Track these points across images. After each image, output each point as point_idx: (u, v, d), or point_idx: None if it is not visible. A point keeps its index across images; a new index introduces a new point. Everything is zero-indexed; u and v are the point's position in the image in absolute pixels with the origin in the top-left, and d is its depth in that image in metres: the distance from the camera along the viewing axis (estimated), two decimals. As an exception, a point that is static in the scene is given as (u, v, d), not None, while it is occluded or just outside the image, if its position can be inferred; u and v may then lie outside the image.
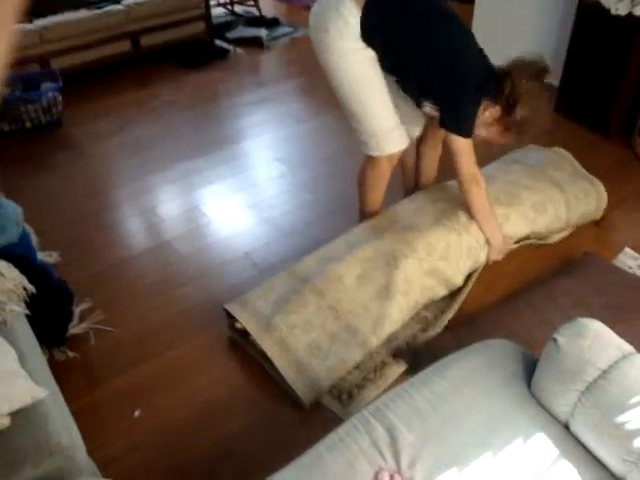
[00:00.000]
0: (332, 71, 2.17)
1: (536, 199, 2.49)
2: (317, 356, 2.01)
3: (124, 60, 4.44)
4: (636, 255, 2.62)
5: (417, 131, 2.46)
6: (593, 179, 2.74)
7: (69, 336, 2.22)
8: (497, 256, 2.44)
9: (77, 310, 2.31)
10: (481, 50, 2.20)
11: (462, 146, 2.16)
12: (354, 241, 2.31)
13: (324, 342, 2.04)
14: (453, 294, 2.35)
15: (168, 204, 3.07)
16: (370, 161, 2.39)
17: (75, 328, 2.26)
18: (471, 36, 2.17)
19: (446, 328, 2.23)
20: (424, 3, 2.12)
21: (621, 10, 3.18)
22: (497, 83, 2.15)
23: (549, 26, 3.96)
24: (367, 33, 2.05)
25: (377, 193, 2.50)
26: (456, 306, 2.29)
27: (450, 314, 2.27)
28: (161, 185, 3.20)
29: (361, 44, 2.08)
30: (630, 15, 3.16)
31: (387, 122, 2.24)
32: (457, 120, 2.14)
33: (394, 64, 2.15)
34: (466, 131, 2.14)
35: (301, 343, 2.03)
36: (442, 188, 2.57)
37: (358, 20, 2.03)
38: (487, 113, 2.18)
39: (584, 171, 2.77)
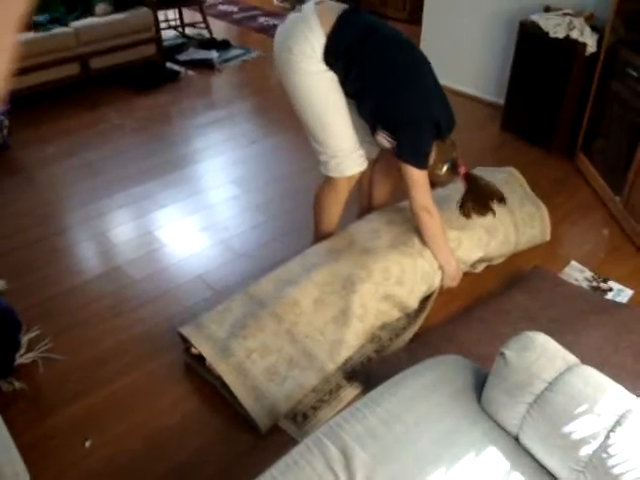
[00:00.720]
0: (294, 92, 2.20)
1: (488, 221, 2.52)
2: (275, 382, 2.00)
3: (73, 83, 4.38)
4: (582, 268, 2.70)
5: (375, 152, 2.49)
6: (539, 204, 2.79)
7: (17, 366, 2.15)
8: (451, 283, 2.48)
9: (25, 339, 2.24)
10: (437, 82, 2.22)
11: (417, 177, 2.18)
12: (310, 263, 2.32)
13: (282, 367, 2.03)
14: (409, 316, 2.38)
15: (120, 228, 3.03)
16: (329, 182, 2.40)
17: (23, 358, 2.19)
18: (429, 66, 2.21)
19: (400, 345, 2.25)
20: (386, 34, 2.17)
21: (559, 33, 3.32)
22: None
23: (493, 48, 4.10)
24: (330, 58, 2.09)
25: (333, 214, 2.51)
26: (413, 329, 2.31)
27: (407, 337, 2.29)
28: (112, 209, 3.16)
29: (324, 67, 2.11)
30: (567, 38, 3.30)
31: (348, 144, 2.27)
32: (413, 151, 2.16)
33: (354, 91, 2.18)
34: (422, 162, 2.17)
35: (259, 369, 2.01)
36: (397, 210, 2.60)
37: (323, 45, 2.06)
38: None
39: (533, 194, 2.83)
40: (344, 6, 2.16)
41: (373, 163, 2.59)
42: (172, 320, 2.39)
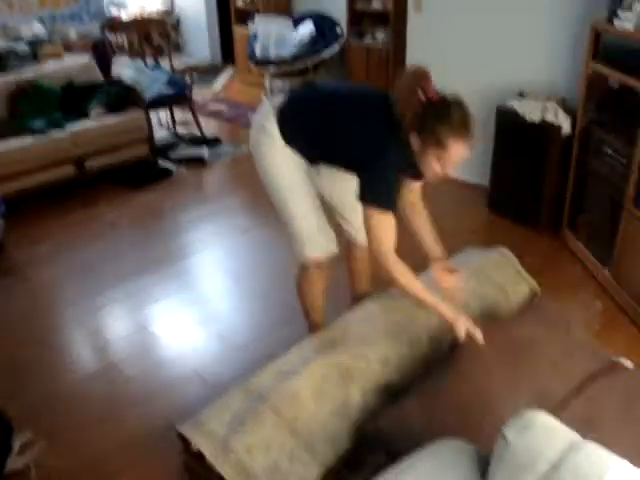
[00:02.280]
0: (263, 178, 2.31)
1: (482, 305, 2.49)
2: (277, 479, 1.94)
3: (69, 183, 4.49)
4: (578, 343, 2.70)
5: (360, 236, 2.45)
6: (533, 283, 2.70)
7: (7, 472, 2.08)
8: (461, 331, 2.09)
9: (17, 443, 2.19)
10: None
11: (377, 222, 2.07)
12: (307, 355, 2.29)
13: (283, 463, 1.97)
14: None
15: (114, 325, 3.02)
16: (300, 268, 2.40)
17: (14, 463, 2.12)
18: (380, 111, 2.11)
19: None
20: (328, 93, 2.26)
21: (534, 117, 3.48)
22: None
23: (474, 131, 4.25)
24: (288, 139, 2.19)
25: (313, 300, 2.47)
26: None
27: None
28: (106, 306, 3.16)
29: (287, 150, 2.20)
30: (543, 121, 3.46)
31: (309, 226, 2.27)
32: (373, 192, 2.06)
33: (320, 156, 2.24)
34: (384, 204, 2.06)
35: (260, 466, 1.95)
36: (393, 296, 2.60)
37: (275, 124, 2.20)
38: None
39: (526, 274, 2.81)
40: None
41: (350, 250, 2.59)
42: (168, 418, 2.34)
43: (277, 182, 2.26)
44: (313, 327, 2.52)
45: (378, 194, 2.06)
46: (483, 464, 1.41)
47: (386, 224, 2.09)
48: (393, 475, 1.40)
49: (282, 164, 2.24)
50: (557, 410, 1.81)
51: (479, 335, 2.07)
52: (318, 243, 2.31)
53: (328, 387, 2.14)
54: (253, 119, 2.36)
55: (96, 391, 2.55)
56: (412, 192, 2.37)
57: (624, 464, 1.26)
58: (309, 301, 2.49)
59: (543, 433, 1.32)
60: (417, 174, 2.16)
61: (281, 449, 1.99)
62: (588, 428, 1.61)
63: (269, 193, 2.32)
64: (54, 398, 2.51)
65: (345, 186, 2.35)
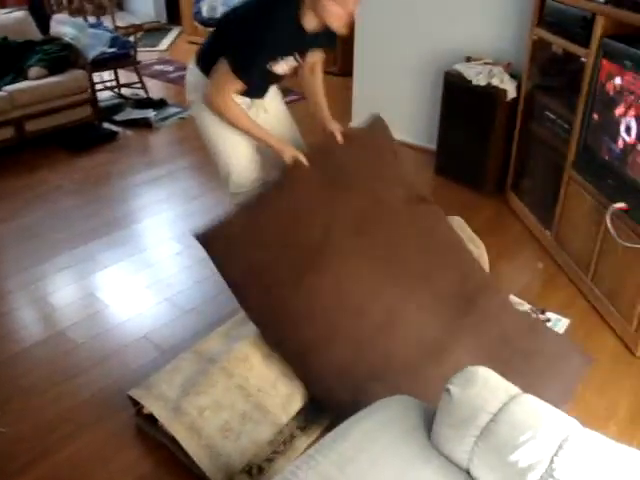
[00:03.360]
0: (204, 136, 2.51)
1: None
2: (229, 438, 1.98)
3: (9, 147, 4.32)
4: (520, 301, 2.81)
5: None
6: (478, 242, 2.87)
7: (-45, 443, 2.06)
8: (288, 157, 2.31)
9: (-36, 413, 2.16)
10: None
11: (223, 76, 2.19)
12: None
13: (235, 423, 2.02)
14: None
15: (61, 292, 2.97)
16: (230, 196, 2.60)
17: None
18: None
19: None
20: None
21: (481, 81, 3.53)
22: None
23: (422, 96, 4.30)
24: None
25: None
26: None
27: None
28: (53, 273, 3.09)
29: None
30: (489, 85, 3.51)
31: (242, 158, 2.48)
32: (237, 54, 2.16)
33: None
34: (236, 67, 2.16)
35: (212, 426, 1.99)
36: None
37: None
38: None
39: (471, 233, 2.92)
40: None
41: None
42: (119, 383, 2.34)
43: (208, 122, 2.41)
44: None
45: (241, 56, 2.16)
46: (429, 418, 1.48)
47: (229, 82, 2.20)
48: (340, 432, 1.45)
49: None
50: (362, 224, 2.26)
51: (304, 160, 2.30)
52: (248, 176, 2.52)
53: None
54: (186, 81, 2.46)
55: (44, 358, 2.51)
56: (314, 59, 2.53)
57: (559, 413, 1.35)
58: None
59: (484, 387, 1.38)
60: (304, 49, 2.33)
61: (232, 409, 2.03)
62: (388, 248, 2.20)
63: (211, 151, 2.50)
64: (1, 366, 2.47)
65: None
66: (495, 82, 3.49)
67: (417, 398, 1.58)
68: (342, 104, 5.13)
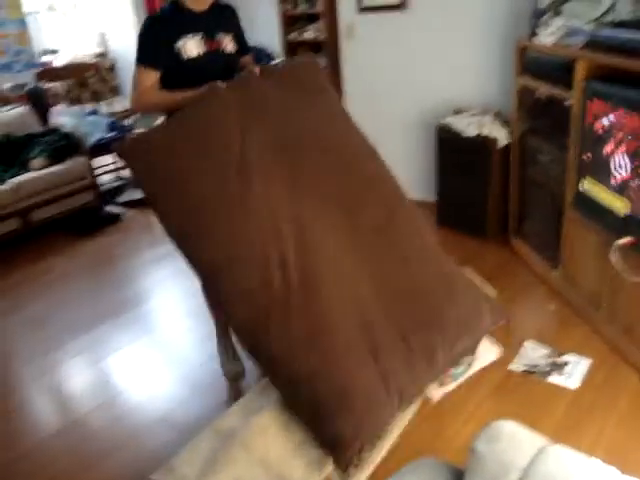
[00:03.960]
0: None
1: None
2: None
3: (14, 237, 4.39)
4: (536, 346, 2.78)
5: None
6: (489, 289, 2.85)
7: None
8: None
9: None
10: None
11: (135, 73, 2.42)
12: (274, 389, 2.30)
13: None
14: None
15: (74, 379, 2.95)
16: None
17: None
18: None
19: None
20: None
21: (472, 132, 3.60)
22: None
23: (416, 150, 4.38)
24: None
25: None
26: (388, 443, 2.28)
27: (383, 450, 2.24)
28: (65, 361, 3.08)
29: None
30: (480, 135, 3.58)
31: None
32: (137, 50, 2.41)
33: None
34: (139, 58, 2.41)
35: None
36: None
37: None
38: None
39: (480, 281, 2.90)
40: None
41: None
42: (139, 469, 2.30)
43: None
44: None
45: (140, 48, 2.41)
46: (458, 478, 1.44)
47: (143, 76, 2.39)
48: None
49: None
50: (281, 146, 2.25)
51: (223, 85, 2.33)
52: None
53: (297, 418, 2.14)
54: None
55: (62, 449, 2.48)
56: (245, 62, 2.65)
57: (593, 463, 1.31)
58: None
59: (511, 442, 1.35)
60: (207, 31, 2.45)
61: None
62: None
63: None
64: (17, 464, 2.43)
65: None
66: (485, 132, 3.57)
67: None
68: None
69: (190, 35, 2.41)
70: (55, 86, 6.29)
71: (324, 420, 1.95)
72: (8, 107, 5.53)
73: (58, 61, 7.32)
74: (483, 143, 3.59)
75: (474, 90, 3.93)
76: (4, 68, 7.06)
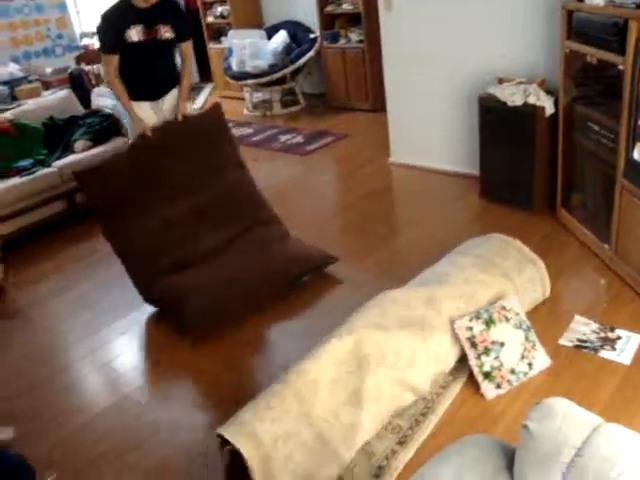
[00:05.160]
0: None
1: (491, 296, 2.56)
2: (293, 471, 1.97)
3: (61, 219, 4.49)
4: (587, 321, 2.70)
5: None
6: (537, 261, 2.79)
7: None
8: (139, 128, 3.43)
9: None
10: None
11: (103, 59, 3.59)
12: (324, 336, 2.32)
13: (297, 454, 2.01)
14: (425, 400, 2.35)
15: (124, 356, 3.01)
16: None
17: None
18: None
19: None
20: None
21: (517, 101, 3.49)
22: None
23: (458, 122, 4.28)
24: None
25: None
26: (434, 418, 2.27)
27: (429, 425, 2.24)
28: (114, 338, 3.15)
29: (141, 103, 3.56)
30: (526, 104, 3.47)
31: None
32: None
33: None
34: (100, 47, 3.61)
35: (280, 457, 1.98)
36: (402, 289, 2.63)
37: None
38: None
39: (528, 252, 2.82)
40: None
41: None
42: (189, 444, 2.34)
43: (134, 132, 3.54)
44: None
45: (100, 42, 3.62)
46: (509, 456, 1.41)
47: (106, 60, 3.46)
48: (420, 477, 1.40)
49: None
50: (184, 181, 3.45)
51: (149, 133, 3.41)
52: None
53: (345, 375, 2.19)
54: None
55: (114, 425, 2.54)
56: (184, 49, 3.59)
57: (648, 442, 1.26)
58: None
59: (564, 420, 1.31)
60: (149, 22, 3.33)
61: (297, 439, 2.05)
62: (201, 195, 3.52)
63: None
64: (72, 438, 2.50)
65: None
66: (531, 100, 3.45)
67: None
68: (379, 140, 5.16)
69: (133, 26, 3.29)
70: (95, 68, 6.36)
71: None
72: (50, 91, 5.64)
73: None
74: (529, 112, 3.47)
75: (518, 57, 3.80)
76: (46, 52, 7.19)
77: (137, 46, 3.33)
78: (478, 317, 2.45)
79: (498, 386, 2.36)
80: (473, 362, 2.39)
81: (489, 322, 2.43)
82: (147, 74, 3.51)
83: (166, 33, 3.39)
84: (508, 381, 2.37)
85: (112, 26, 3.31)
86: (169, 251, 3.24)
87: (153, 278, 3.17)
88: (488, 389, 2.35)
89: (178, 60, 3.69)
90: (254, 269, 3.20)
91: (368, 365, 2.19)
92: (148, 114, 3.55)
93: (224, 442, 2.04)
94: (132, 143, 3.47)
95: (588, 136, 3.18)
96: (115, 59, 3.36)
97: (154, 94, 3.57)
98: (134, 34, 3.30)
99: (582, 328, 2.67)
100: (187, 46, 3.60)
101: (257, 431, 2.00)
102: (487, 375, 2.36)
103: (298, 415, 2.07)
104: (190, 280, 3.13)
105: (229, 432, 2.02)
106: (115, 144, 4.73)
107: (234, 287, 3.08)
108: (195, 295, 3.01)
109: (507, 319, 2.47)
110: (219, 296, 3.03)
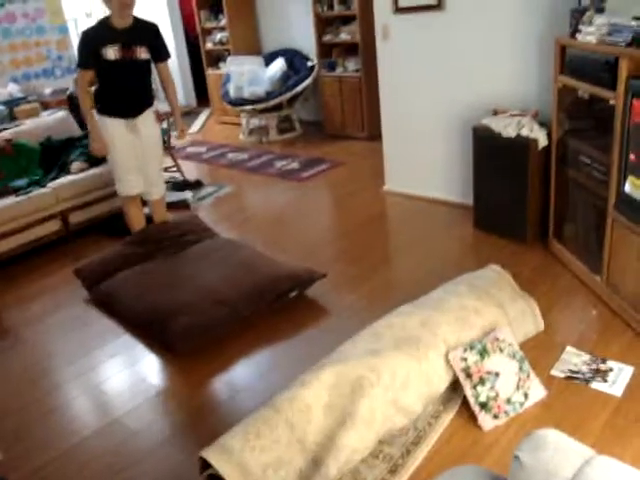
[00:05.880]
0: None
1: (485, 323, 2.59)
2: None
3: (54, 240, 4.48)
4: (578, 352, 2.71)
5: (154, 190, 4.09)
6: (528, 298, 2.83)
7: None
8: (95, 150, 3.87)
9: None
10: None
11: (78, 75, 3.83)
12: (317, 365, 2.32)
13: None
14: (416, 429, 2.34)
15: (114, 379, 2.99)
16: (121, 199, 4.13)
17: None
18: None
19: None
20: None
21: (510, 133, 3.54)
22: None
23: (453, 152, 4.33)
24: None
25: (131, 221, 4.14)
26: (425, 447, 2.27)
27: (420, 457, 2.23)
28: (105, 361, 3.13)
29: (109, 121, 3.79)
30: (519, 136, 3.52)
31: (122, 172, 3.88)
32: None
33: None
34: (78, 63, 3.74)
35: None
36: (396, 314, 2.64)
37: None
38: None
39: (519, 289, 2.87)
40: None
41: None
42: (177, 470, 2.31)
43: (107, 147, 3.83)
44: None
45: (78, 57, 3.71)
46: (499, 488, 1.41)
47: (80, 74, 3.73)
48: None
49: (111, 136, 3.78)
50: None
51: (104, 153, 3.89)
52: (128, 186, 3.96)
53: (337, 399, 2.18)
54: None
55: (101, 449, 2.50)
56: (162, 71, 3.86)
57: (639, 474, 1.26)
58: (130, 223, 4.15)
59: (556, 452, 1.31)
60: (127, 41, 3.59)
61: (290, 466, 2.03)
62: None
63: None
64: (58, 462, 2.46)
65: (152, 130, 3.92)
66: (525, 132, 3.50)
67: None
68: (374, 168, 5.21)
69: (110, 45, 3.52)
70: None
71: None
72: (49, 111, 5.68)
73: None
74: (522, 144, 3.52)
75: (512, 90, 3.87)
76: (45, 73, 7.24)
77: (114, 64, 3.57)
78: (472, 347, 2.45)
79: (495, 417, 2.35)
80: (469, 392, 2.39)
81: (483, 353, 2.44)
82: (123, 92, 3.72)
83: (142, 54, 3.63)
84: (505, 412, 2.36)
85: (90, 43, 3.54)
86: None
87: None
88: (485, 420, 2.34)
89: (155, 82, 3.95)
90: (240, 287, 3.26)
91: (361, 388, 2.19)
92: (122, 132, 3.77)
93: (205, 465, 2.03)
94: (130, 238, 4.05)
95: (580, 169, 3.23)
96: (88, 74, 3.65)
97: (128, 112, 3.75)
98: (111, 53, 3.53)
99: (574, 359, 2.67)
100: (165, 68, 3.84)
101: (246, 461, 1.98)
102: (484, 406, 2.35)
103: (290, 442, 2.05)
104: (175, 298, 3.23)
105: (215, 458, 2.00)
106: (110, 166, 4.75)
107: (221, 306, 3.13)
108: (182, 314, 3.07)
109: (501, 350, 2.48)
110: (205, 315, 3.08)
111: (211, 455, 2.02)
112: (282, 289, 3.28)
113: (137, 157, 3.88)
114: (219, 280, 3.36)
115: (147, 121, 3.86)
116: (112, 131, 3.75)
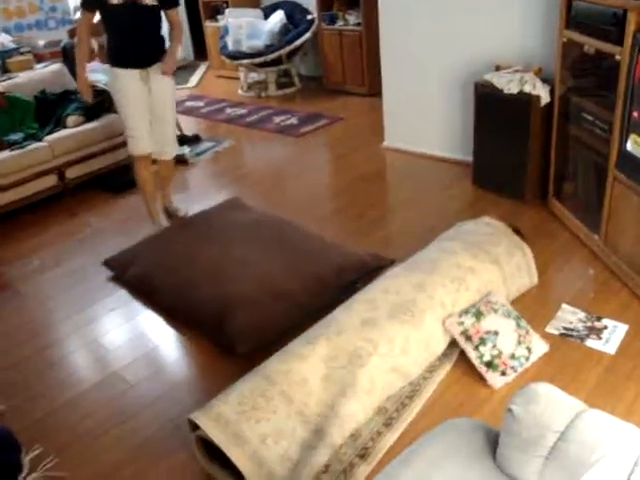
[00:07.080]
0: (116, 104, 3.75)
1: (479, 282, 2.60)
2: (289, 468, 1.96)
3: (51, 194, 4.46)
4: (574, 309, 2.73)
5: (166, 149, 3.85)
6: (525, 249, 2.83)
7: (21, 491, 2.09)
8: (83, 92, 3.70)
9: (27, 459, 2.18)
10: None
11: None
12: (312, 335, 2.33)
13: (294, 451, 2.00)
14: (412, 384, 2.37)
15: (112, 333, 3.01)
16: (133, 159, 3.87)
17: (27, 479, 2.12)
18: None
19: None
20: None
21: (513, 89, 3.48)
22: None
23: (454, 109, 4.27)
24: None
25: (144, 185, 3.89)
26: (420, 400, 2.29)
27: (414, 408, 2.26)
28: (103, 315, 3.15)
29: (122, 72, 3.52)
30: (521, 92, 3.46)
31: (135, 129, 3.64)
32: None
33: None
34: (80, 3, 3.57)
35: (273, 455, 1.97)
36: (392, 277, 2.64)
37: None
38: None
39: (517, 239, 2.86)
40: None
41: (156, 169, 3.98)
42: (175, 421, 2.35)
43: (120, 94, 3.60)
44: (149, 213, 3.97)
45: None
46: (493, 440, 1.43)
47: (82, 16, 3.60)
48: (404, 460, 1.42)
49: (124, 89, 3.56)
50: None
51: (89, 99, 3.77)
52: (140, 145, 3.70)
53: (336, 371, 2.19)
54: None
55: (100, 401, 2.54)
56: (171, 17, 3.61)
57: (631, 428, 1.29)
58: (141, 184, 3.93)
59: (549, 404, 1.34)
60: None
61: (292, 436, 2.02)
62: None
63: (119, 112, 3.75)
64: (59, 413, 2.51)
65: (165, 85, 3.63)
66: (527, 89, 3.44)
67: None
68: (373, 124, 5.15)
69: None
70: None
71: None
72: (43, 64, 5.57)
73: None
74: (525, 101, 3.47)
75: (516, 46, 3.79)
76: (39, 25, 7.09)
77: (118, 10, 3.36)
78: (467, 312, 2.47)
79: (503, 374, 2.37)
80: (472, 355, 2.40)
81: (478, 315, 2.46)
82: (130, 40, 3.49)
83: None
84: (512, 367, 2.38)
85: None
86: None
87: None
88: (494, 378, 2.36)
89: (166, 34, 3.69)
90: (302, 277, 2.97)
91: (359, 358, 2.20)
92: (135, 85, 3.52)
93: (196, 425, 2.05)
94: (170, 226, 3.95)
95: (582, 126, 3.19)
96: (90, 18, 3.53)
97: (138, 61, 3.50)
98: None
99: (569, 317, 2.69)
100: (174, 14, 3.61)
101: (242, 431, 1.99)
102: (489, 364, 2.37)
103: (289, 414, 2.06)
104: (230, 290, 2.90)
105: (208, 424, 2.01)
106: (107, 120, 4.69)
107: (282, 299, 2.84)
108: (240, 309, 2.76)
109: (495, 310, 2.50)
110: (267, 311, 2.77)
111: (203, 421, 2.03)
112: (348, 279, 3.00)
113: (151, 112, 3.63)
114: (277, 269, 3.05)
115: (161, 81, 3.59)
116: (125, 83, 3.52)
